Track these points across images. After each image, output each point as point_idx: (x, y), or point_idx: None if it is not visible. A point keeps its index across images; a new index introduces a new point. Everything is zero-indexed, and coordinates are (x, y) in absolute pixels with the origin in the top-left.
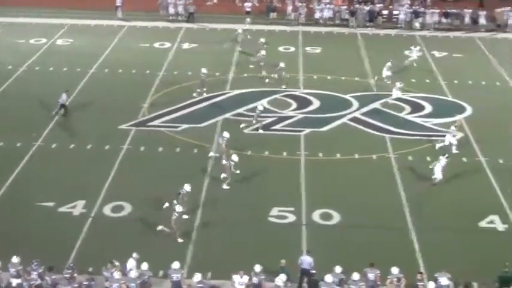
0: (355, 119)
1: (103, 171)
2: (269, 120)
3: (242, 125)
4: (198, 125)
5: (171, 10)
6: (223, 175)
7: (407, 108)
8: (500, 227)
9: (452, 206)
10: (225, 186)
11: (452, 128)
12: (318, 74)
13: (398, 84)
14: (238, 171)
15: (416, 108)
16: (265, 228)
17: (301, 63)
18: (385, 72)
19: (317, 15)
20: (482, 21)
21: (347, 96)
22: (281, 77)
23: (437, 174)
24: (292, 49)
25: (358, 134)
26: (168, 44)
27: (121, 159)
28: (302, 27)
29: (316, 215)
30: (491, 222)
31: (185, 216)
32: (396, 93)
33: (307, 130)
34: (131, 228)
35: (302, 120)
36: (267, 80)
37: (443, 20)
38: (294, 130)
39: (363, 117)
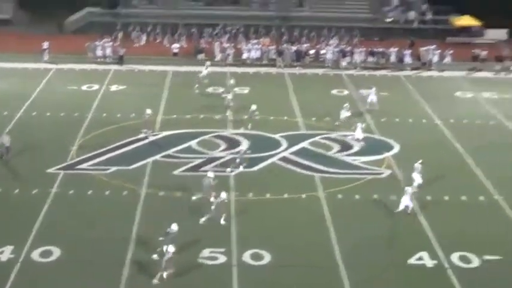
0: (284, 159)
1: (31, 216)
2: (198, 161)
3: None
4: (127, 167)
5: (99, 52)
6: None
7: (336, 147)
8: (429, 263)
9: (381, 242)
10: (222, 221)
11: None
12: (247, 115)
13: (360, 125)
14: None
15: (345, 146)
16: (196, 269)
17: (230, 103)
18: (344, 114)
19: (245, 55)
20: (407, 59)
21: (276, 136)
22: (252, 117)
23: (408, 203)
24: (221, 89)
25: (287, 174)
26: (96, 86)
27: (49, 203)
28: (230, 67)
29: (247, 256)
30: (420, 258)
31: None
32: (359, 133)
33: (237, 170)
34: (61, 273)
35: (230, 160)
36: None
37: (370, 59)
38: (222, 171)
39: (292, 157)
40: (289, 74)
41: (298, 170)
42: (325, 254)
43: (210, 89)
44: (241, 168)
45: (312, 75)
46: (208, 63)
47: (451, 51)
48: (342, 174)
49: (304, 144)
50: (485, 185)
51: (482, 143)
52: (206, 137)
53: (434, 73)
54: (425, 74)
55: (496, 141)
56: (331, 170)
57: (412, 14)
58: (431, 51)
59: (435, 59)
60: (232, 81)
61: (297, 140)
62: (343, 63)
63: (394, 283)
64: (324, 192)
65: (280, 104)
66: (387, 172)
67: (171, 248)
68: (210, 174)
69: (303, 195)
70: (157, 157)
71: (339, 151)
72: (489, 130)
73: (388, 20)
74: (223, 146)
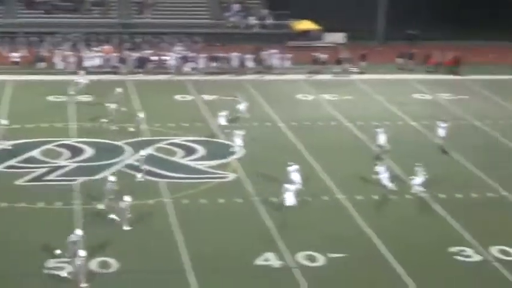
0: (129, 166)
1: None
2: (41, 170)
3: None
4: None
5: None
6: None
7: (180, 152)
8: (276, 263)
9: (229, 246)
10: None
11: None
12: (91, 123)
13: (239, 132)
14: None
15: (189, 151)
16: (38, 281)
17: (74, 111)
18: (221, 121)
19: (87, 63)
20: (249, 63)
21: (120, 143)
22: (139, 127)
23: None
24: (63, 98)
25: (133, 180)
26: None
27: None
28: (71, 76)
29: (94, 264)
30: (267, 259)
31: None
32: (238, 140)
33: (81, 179)
34: None
35: (75, 169)
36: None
37: (212, 64)
38: (68, 180)
39: (137, 163)
40: (133, 80)
41: (145, 176)
42: (172, 260)
43: (50, 97)
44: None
45: (155, 81)
46: (82, 72)
47: (291, 55)
48: (187, 179)
49: (149, 150)
50: (328, 185)
51: (324, 143)
52: (50, 145)
53: (275, 77)
54: (267, 77)
55: (338, 142)
56: (176, 175)
57: (252, 19)
58: (272, 55)
59: (276, 62)
60: (119, 90)
61: (141, 147)
62: (186, 69)
63: (242, 285)
64: (170, 197)
65: (124, 111)
66: (232, 176)
67: (81, 253)
68: (111, 178)
69: (150, 201)
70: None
71: (183, 156)
72: (331, 131)
73: (229, 25)
74: (66, 154)
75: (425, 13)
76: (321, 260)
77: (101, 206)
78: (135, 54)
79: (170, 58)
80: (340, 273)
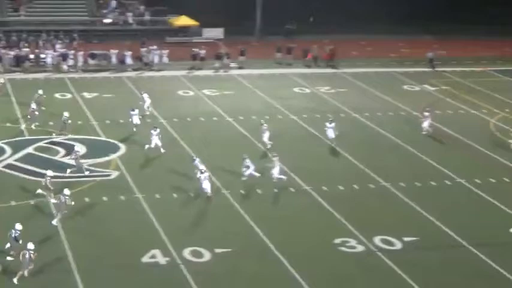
0: (9, 166)
1: None
2: None
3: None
4: None
5: None
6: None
7: (62, 151)
8: (162, 260)
9: (115, 243)
10: (54, 222)
11: None
12: None
13: (154, 132)
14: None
15: (71, 150)
16: None
17: None
18: (135, 120)
19: None
20: (128, 60)
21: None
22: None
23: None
24: None
25: (14, 181)
26: None
27: None
28: None
29: None
30: (153, 256)
31: None
32: (155, 139)
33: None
34: None
35: None
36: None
37: (91, 61)
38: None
39: (18, 163)
40: (9, 79)
41: (25, 176)
42: (58, 259)
43: None
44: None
45: (33, 80)
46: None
47: (167, 51)
48: (70, 178)
49: (29, 149)
50: (213, 180)
51: (206, 138)
52: None
53: (155, 73)
54: (147, 74)
55: (220, 137)
56: (58, 174)
57: (130, 16)
58: (151, 52)
59: (156, 59)
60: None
61: (21, 146)
62: (64, 66)
63: (131, 282)
64: (54, 197)
65: (2, 110)
66: (115, 173)
67: (30, 245)
68: (49, 173)
69: (31, 202)
70: None
71: (65, 155)
72: (212, 126)
73: (107, 21)
74: None
75: (301, 8)
76: (207, 255)
77: None
78: (12, 53)
79: (47, 56)
80: (226, 268)
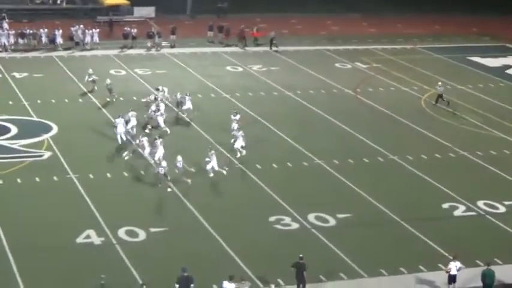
0: None
1: None
2: None
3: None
4: None
5: None
6: None
7: None
8: (97, 240)
9: (49, 224)
10: None
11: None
12: None
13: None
14: None
15: (2, 130)
16: None
17: None
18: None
19: None
20: (59, 40)
21: None
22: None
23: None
24: None
25: None
26: None
27: None
28: None
29: None
30: (88, 236)
31: None
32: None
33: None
34: None
35: None
36: None
37: (20, 41)
38: None
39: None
40: None
41: None
42: None
43: None
44: None
45: None
46: None
47: (98, 30)
48: (1, 159)
49: None
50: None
51: (139, 118)
52: None
53: (87, 52)
54: (78, 53)
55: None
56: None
57: None
58: (81, 31)
59: (87, 38)
60: None
61: None
62: None
63: (65, 263)
64: None
65: None
66: (48, 154)
67: None
68: None
69: None
70: None
71: None
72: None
73: (37, 1)
74: None
75: None
76: (142, 234)
77: None
78: None
79: None
80: (161, 247)
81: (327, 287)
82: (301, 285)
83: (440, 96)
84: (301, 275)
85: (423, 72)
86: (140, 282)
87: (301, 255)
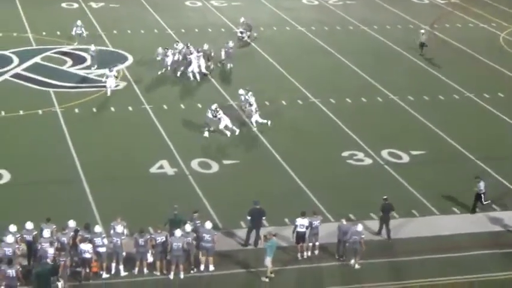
0: (17, 75)
1: None
2: None
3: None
4: None
5: None
6: None
7: (69, 61)
8: (170, 171)
9: (123, 154)
10: None
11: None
12: None
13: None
14: None
15: (78, 60)
16: None
17: None
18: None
19: None
20: None
21: (7, 53)
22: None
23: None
24: None
25: (21, 90)
26: None
27: None
28: None
29: None
30: (161, 167)
31: None
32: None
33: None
34: None
35: None
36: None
37: None
38: None
39: (25, 73)
40: None
41: (33, 85)
42: (67, 169)
43: None
44: None
45: None
46: None
47: None
48: (77, 88)
49: (37, 59)
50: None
51: (215, 50)
52: None
53: None
54: None
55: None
56: (66, 84)
57: None
58: None
59: None
60: None
61: (28, 56)
62: None
63: (138, 193)
64: (61, 107)
65: (9, 19)
66: (122, 84)
67: None
68: None
69: (40, 111)
70: None
71: (72, 65)
72: (219, 37)
73: None
74: None
75: None
76: (214, 166)
77: None
78: None
79: None
80: (232, 179)
81: (399, 223)
82: (384, 225)
83: None
84: (386, 215)
85: (502, 9)
86: (175, 205)
87: (385, 197)
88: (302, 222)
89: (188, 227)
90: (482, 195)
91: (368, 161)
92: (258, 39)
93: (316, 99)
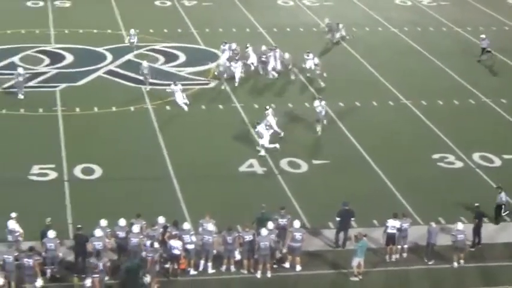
0: (110, 72)
1: None
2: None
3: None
4: None
5: None
6: None
7: (162, 59)
8: (259, 170)
9: (215, 153)
10: None
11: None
12: (69, 28)
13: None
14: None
15: (171, 58)
16: (26, 187)
17: (51, 17)
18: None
19: None
20: None
21: (100, 49)
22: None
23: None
24: (41, 4)
25: (114, 87)
26: None
27: None
28: None
29: (77, 170)
30: (251, 166)
31: None
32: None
33: (63, 85)
34: None
35: (56, 75)
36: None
37: None
38: (49, 86)
39: (118, 70)
40: None
41: (125, 82)
42: (157, 166)
43: (29, 3)
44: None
45: None
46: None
47: None
48: (168, 85)
49: (130, 56)
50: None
51: (305, 49)
52: (29, 52)
53: None
54: None
55: (317, 47)
56: (158, 81)
57: None
58: None
59: None
60: None
61: (121, 53)
62: None
63: (227, 191)
64: (152, 104)
65: (104, 17)
66: (214, 82)
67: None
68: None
69: (132, 108)
70: None
71: (164, 62)
72: (310, 37)
73: None
74: (46, 61)
75: None
76: (303, 166)
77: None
78: None
79: None
80: (321, 179)
81: (492, 228)
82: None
83: None
84: (480, 223)
85: None
86: (263, 204)
87: (477, 204)
88: (393, 224)
89: (271, 225)
90: (503, 206)
91: (459, 164)
92: (350, 40)
93: (408, 100)
